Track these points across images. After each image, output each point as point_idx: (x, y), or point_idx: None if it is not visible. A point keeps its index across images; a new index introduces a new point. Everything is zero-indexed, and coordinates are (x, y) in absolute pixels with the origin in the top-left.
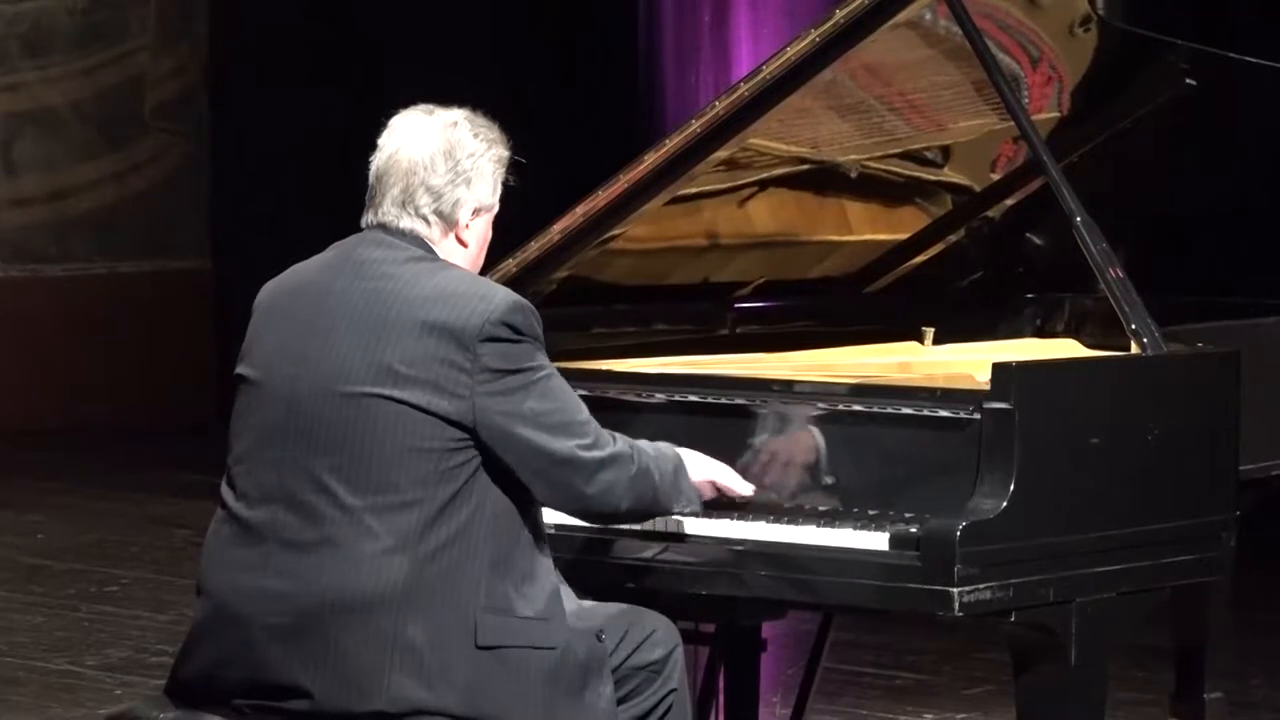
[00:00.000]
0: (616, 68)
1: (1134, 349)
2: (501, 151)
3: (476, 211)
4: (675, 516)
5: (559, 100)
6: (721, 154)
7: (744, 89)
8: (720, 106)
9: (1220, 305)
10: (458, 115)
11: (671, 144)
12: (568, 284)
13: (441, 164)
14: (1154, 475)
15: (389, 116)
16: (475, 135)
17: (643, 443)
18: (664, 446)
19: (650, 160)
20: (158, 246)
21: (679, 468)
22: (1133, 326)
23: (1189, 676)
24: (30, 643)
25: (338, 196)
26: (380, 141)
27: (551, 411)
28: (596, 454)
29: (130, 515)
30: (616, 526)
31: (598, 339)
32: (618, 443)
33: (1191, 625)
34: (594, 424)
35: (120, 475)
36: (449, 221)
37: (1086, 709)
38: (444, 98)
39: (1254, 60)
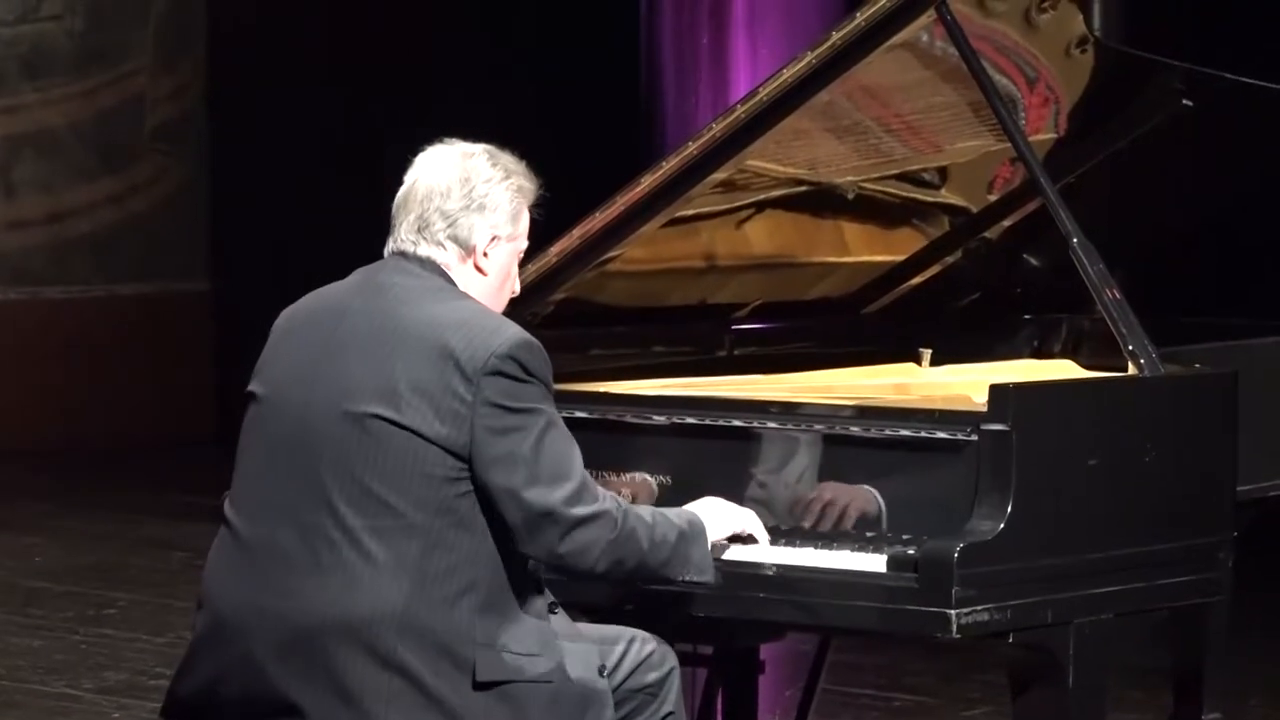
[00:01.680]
0: (616, 91)
1: (1131, 370)
2: (523, 183)
3: (495, 239)
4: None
5: (559, 122)
6: (719, 176)
7: (741, 111)
8: (717, 128)
9: (1217, 326)
10: (477, 148)
11: (669, 166)
12: (565, 306)
13: (457, 190)
14: (1151, 496)
15: (387, 140)
16: (493, 164)
17: (645, 509)
18: (679, 512)
19: (648, 182)
20: (156, 268)
21: (691, 536)
22: (1130, 347)
23: (1187, 697)
24: (28, 666)
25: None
26: (405, 176)
27: (541, 461)
28: (577, 511)
29: (128, 537)
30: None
31: (595, 361)
32: (605, 502)
33: (1190, 646)
34: (586, 480)
35: (118, 497)
36: (465, 247)
37: None
38: (442, 125)
39: (1250, 81)
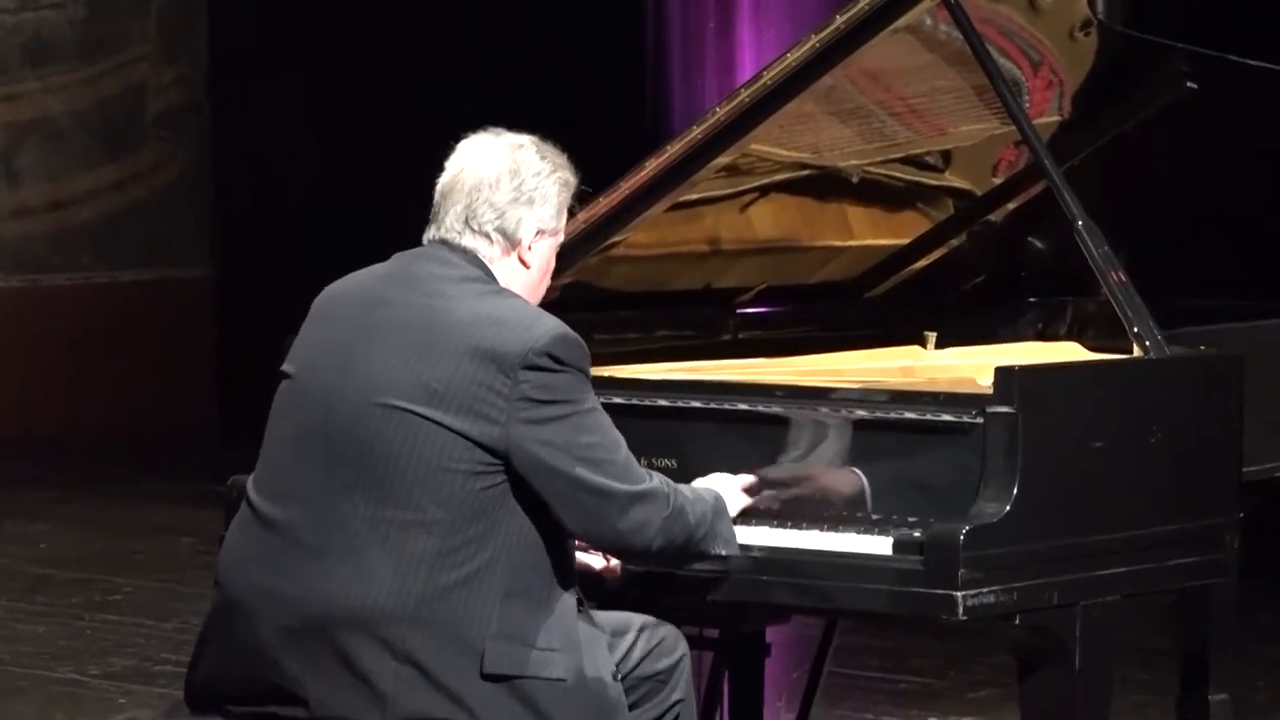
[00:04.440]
0: (622, 76)
1: (1137, 352)
2: (568, 176)
3: (540, 233)
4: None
5: (565, 107)
6: (723, 160)
7: (745, 95)
8: (721, 113)
9: (1222, 308)
10: (524, 139)
11: (673, 150)
12: (570, 290)
13: (507, 182)
14: (1157, 478)
15: (389, 126)
16: (542, 157)
17: (682, 486)
18: (702, 489)
19: (652, 166)
20: (159, 255)
21: (718, 511)
22: (1135, 329)
23: (1194, 679)
24: (34, 652)
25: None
26: (447, 163)
27: (589, 445)
28: (631, 488)
29: (133, 524)
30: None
31: (600, 345)
32: (654, 480)
33: (1196, 627)
34: (632, 461)
35: (123, 484)
36: (511, 240)
37: (1091, 712)
38: (445, 110)
39: (1255, 63)
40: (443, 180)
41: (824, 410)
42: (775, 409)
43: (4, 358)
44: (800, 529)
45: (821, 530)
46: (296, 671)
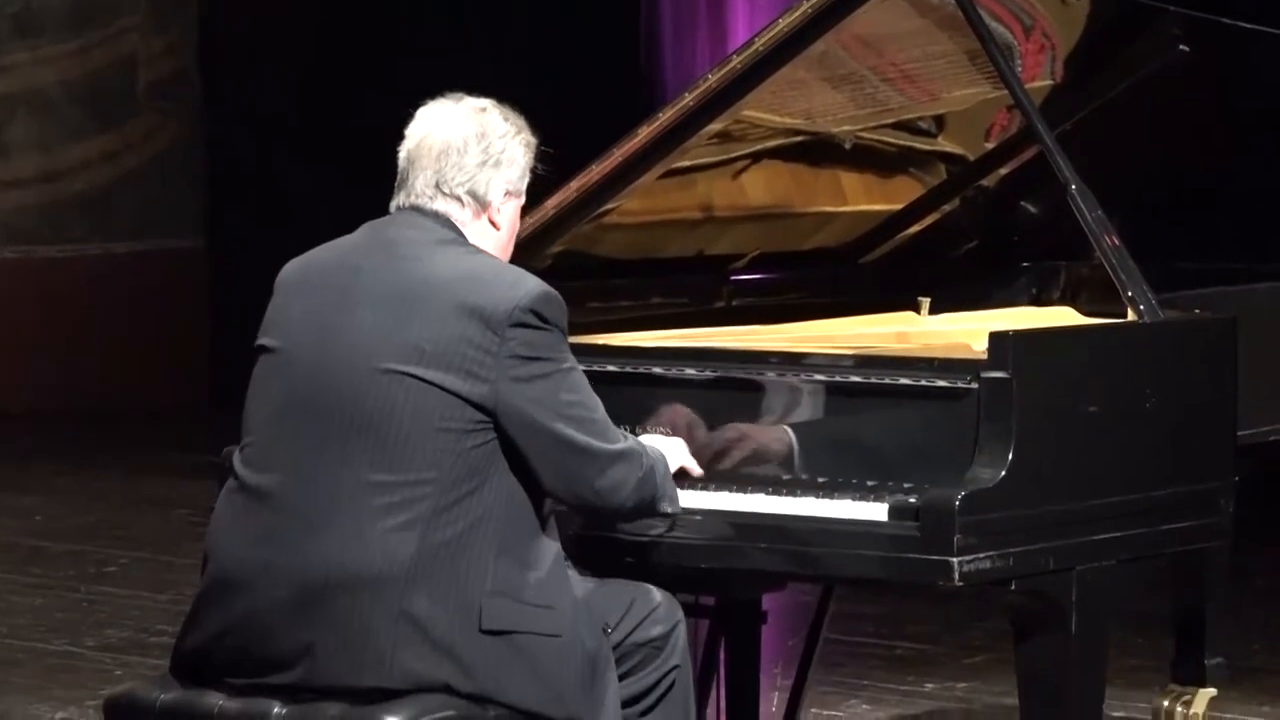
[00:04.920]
0: (615, 44)
1: (1131, 316)
2: (530, 138)
3: (508, 194)
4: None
5: (558, 75)
6: (715, 127)
7: (737, 61)
8: (713, 79)
9: (1216, 271)
10: (485, 102)
11: (665, 118)
12: (563, 259)
13: (474, 145)
14: (1152, 442)
15: (382, 93)
16: (505, 119)
17: (645, 441)
18: (651, 447)
19: (644, 134)
20: (151, 226)
21: (667, 469)
22: (1129, 293)
23: (1189, 643)
24: (29, 624)
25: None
26: (408, 130)
27: (571, 403)
28: (610, 447)
29: (127, 496)
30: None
31: (593, 313)
32: (629, 439)
33: (1191, 592)
34: (609, 420)
35: (116, 456)
36: (481, 202)
37: (1087, 676)
38: (437, 77)
39: (1247, 26)
40: (407, 147)
41: (818, 376)
42: (770, 375)
43: None
44: (795, 496)
45: (817, 497)
46: (293, 640)
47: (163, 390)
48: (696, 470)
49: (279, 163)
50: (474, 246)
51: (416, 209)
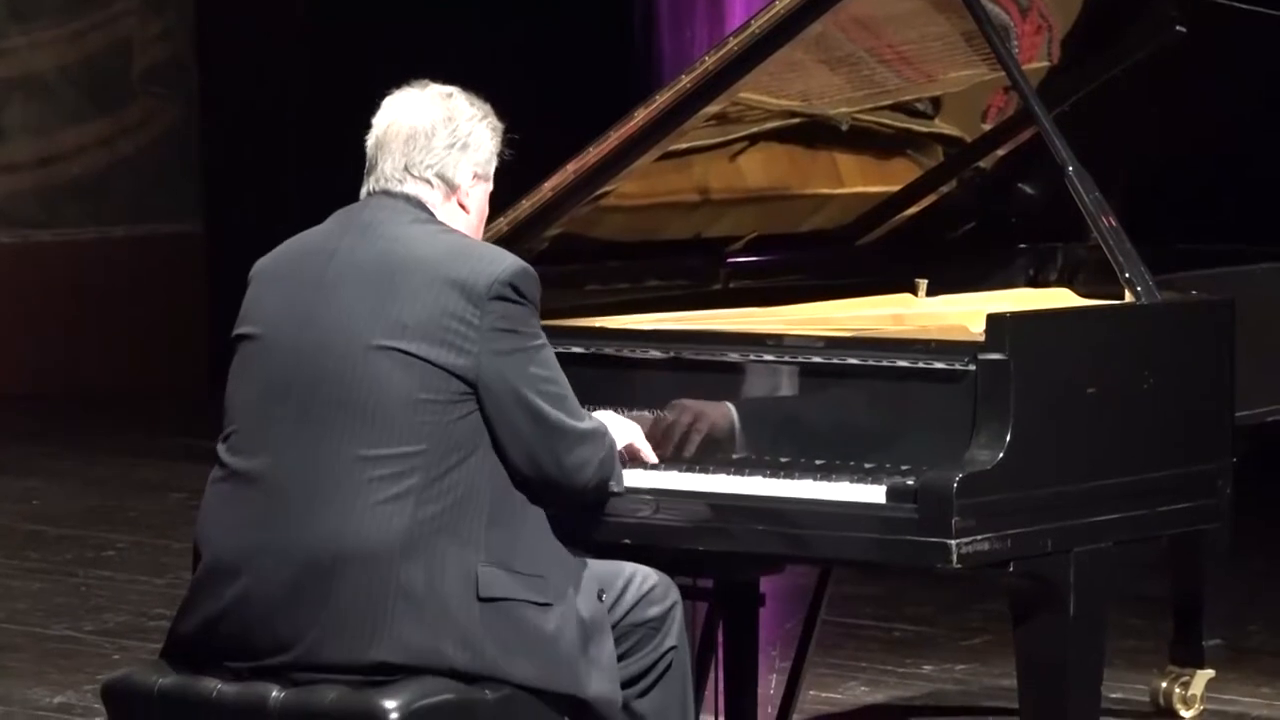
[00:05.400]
0: (612, 26)
1: (1128, 297)
2: (496, 123)
3: (476, 177)
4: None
5: (555, 58)
6: (712, 109)
7: (734, 43)
8: (710, 61)
9: (1214, 253)
10: (451, 89)
11: (662, 100)
12: (560, 241)
13: (442, 129)
14: (1150, 423)
15: (378, 76)
16: (472, 104)
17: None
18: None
19: (641, 116)
20: (148, 211)
21: (615, 448)
22: (1126, 275)
23: (1188, 624)
24: (28, 609)
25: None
26: (375, 119)
27: (545, 379)
28: (578, 425)
29: (125, 480)
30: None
31: (590, 295)
32: (594, 420)
33: (1189, 573)
34: (576, 399)
35: (114, 440)
36: (450, 185)
37: (1086, 658)
38: (436, 60)
39: (1244, 7)
40: (375, 134)
41: (815, 359)
42: (766, 358)
43: None
44: (793, 478)
45: (814, 479)
46: (290, 619)
47: (160, 374)
48: (651, 457)
49: (276, 146)
50: (447, 226)
51: (386, 193)
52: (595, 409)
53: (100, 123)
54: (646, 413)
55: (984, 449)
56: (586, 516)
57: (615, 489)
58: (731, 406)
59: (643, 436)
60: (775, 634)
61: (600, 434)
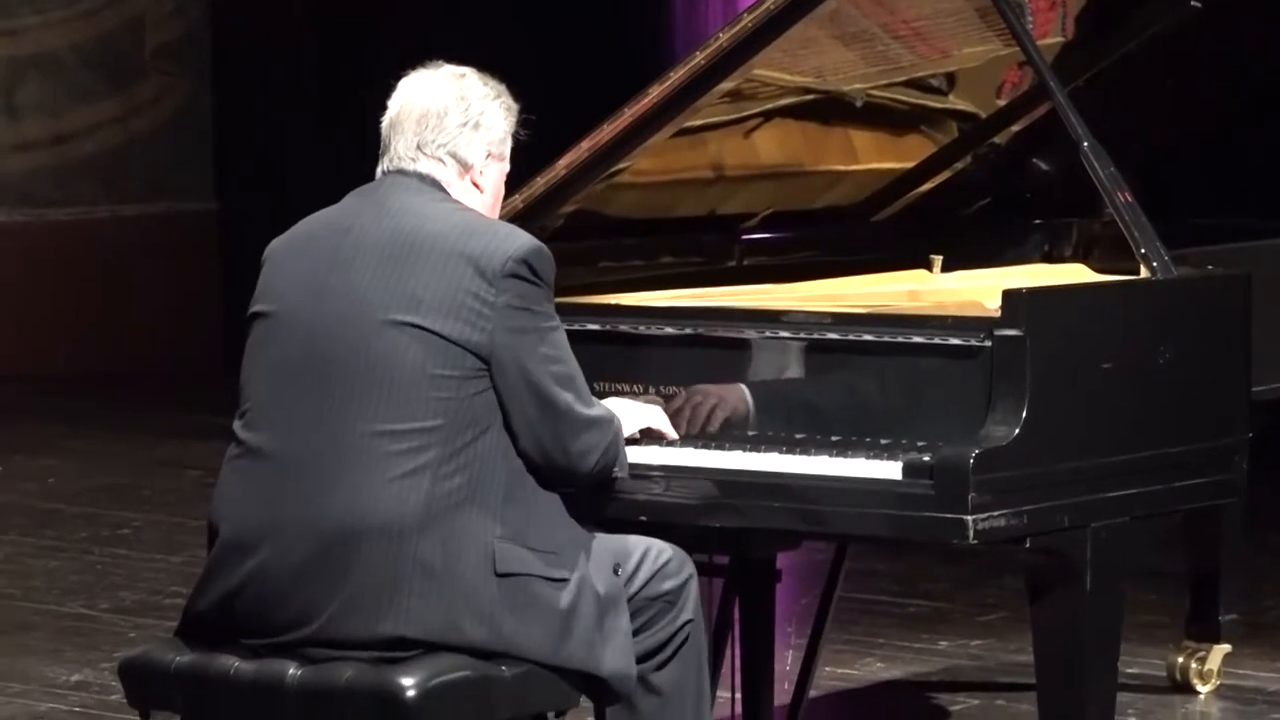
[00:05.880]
0: (626, 2)
1: (1144, 273)
2: (510, 103)
3: (490, 156)
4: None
5: (568, 35)
6: (726, 86)
7: (748, 20)
8: (725, 38)
9: (1229, 228)
10: (465, 69)
11: (676, 77)
12: (574, 218)
13: (455, 108)
14: (1166, 399)
15: (390, 54)
16: (485, 84)
17: (621, 403)
18: (612, 412)
19: (655, 93)
20: (162, 188)
21: (622, 431)
22: (1142, 250)
23: (1203, 599)
24: (44, 587)
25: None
26: (390, 101)
27: (556, 359)
28: (587, 411)
29: (140, 458)
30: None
31: (604, 273)
32: (601, 406)
33: (1205, 548)
34: (585, 384)
35: (129, 418)
36: (464, 164)
37: (1102, 633)
38: (450, 39)
39: None
40: (389, 116)
41: (831, 335)
42: (782, 334)
43: (7, 292)
44: (809, 454)
45: (830, 456)
46: (308, 594)
47: (175, 352)
48: (672, 434)
49: (289, 123)
50: (462, 204)
51: (401, 172)
52: (611, 387)
53: (114, 101)
54: (659, 395)
55: (1000, 425)
56: (602, 493)
57: (619, 473)
58: (744, 386)
59: (664, 417)
60: (791, 610)
61: (607, 421)
